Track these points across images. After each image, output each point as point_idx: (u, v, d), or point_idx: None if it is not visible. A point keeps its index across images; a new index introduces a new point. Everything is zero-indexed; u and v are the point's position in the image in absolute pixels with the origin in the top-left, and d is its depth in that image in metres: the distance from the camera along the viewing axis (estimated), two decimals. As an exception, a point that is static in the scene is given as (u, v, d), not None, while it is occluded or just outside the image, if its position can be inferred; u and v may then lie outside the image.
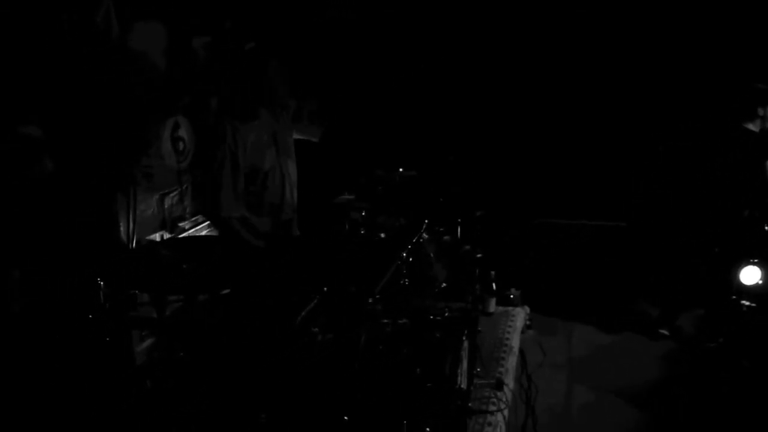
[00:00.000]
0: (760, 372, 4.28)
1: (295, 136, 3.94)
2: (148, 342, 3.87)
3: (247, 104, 3.61)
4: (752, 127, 4.60)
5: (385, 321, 3.04)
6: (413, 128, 5.77)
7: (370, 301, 3.02)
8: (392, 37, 5.84)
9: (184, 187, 4.34)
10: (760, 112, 4.58)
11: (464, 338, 3.29)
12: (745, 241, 4.91)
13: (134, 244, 3.84)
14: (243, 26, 4.89)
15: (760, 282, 4.99)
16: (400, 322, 3.03)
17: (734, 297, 5.08)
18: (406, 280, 3.41)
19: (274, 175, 3.68)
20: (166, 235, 4.14)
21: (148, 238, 4.00)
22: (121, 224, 3.78)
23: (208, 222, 4.50)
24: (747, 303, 5.03)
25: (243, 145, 3.51)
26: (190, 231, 4.32)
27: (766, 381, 4.09)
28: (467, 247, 4.54)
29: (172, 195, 4.24)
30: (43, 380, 3.10)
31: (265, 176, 3.63)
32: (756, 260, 4.88)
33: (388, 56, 5.86)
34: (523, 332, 4.88)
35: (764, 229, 4.86)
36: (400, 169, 4.28)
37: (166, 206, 4.20)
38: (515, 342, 4.54)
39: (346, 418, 2.76)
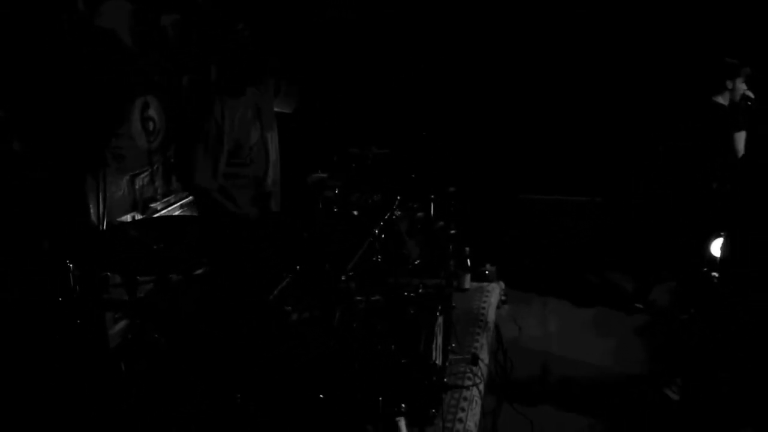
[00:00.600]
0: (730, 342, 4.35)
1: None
2: (122, 324, 3.84)
3: (237, 81, 3.60)
4: (721, 100, 4.64)
5: (359, 298, 3.04)
6: (387, 104, 5.75)
7: (343, 278, 3.01)
8: (369, 18, 5.81)
9: (155, 168, 4.29)
10: (729, 85, 4.62)
11: (438, 314, 3.31)
12: (716, 214, 4.97)
13: (105, 226, 3.80)
14: (216, 3, 4.82)
15: (730, 253, 5.07)
16: (373, 299, 3.04)
17: (705, 269, 5.16)
18: (379, 257, 3.41)
19: (259, 149, 3.71)
20: (138, 217, 4.10)
21: (119, 219, 3.95)
22: (91, 206, 3.72)
23: (179, 203, 4.47)
24: (717, 275, 5.12)
25: (230, 120, 3.52)
26: (162, 212, 4.28)
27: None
28: (441, 223, 4.54)
29: (142, 176, 4.19)
30: (14, 364, 3.06)
31: (249, 150, 3.64)
32: (725, 232, 4.95)
33: (363, 34, 5.83)
34: (498, 307, 4.92)
35: (733, 201, 4.92)
36: (374, 147, 4.26)
37: (137, 187, 4.14)
38: (490, 317, 4.57)
39: (321, 395, 2.77)
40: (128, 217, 4.02)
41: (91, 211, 3.73)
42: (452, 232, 4.59)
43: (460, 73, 5.88)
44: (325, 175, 4.08)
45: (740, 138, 4.61)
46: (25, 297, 3.18)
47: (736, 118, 4.62)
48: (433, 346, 3.20)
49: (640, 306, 5.07)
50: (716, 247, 5.11)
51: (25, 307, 3.17)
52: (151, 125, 4.20)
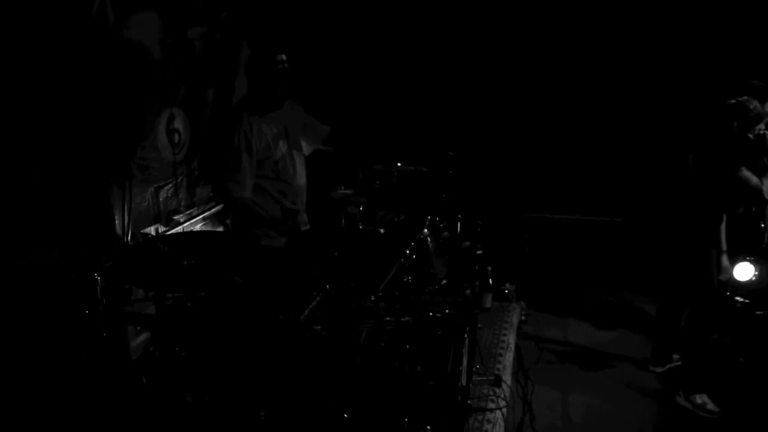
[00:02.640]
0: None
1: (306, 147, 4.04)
2: (143, 337, 3.82)
3: (267, 103, 3.71)
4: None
5: (388, 319, 3.00)
6: (412, 123, 5.75)
7: (373, 298, 2.99)
8: (392, 32, 5.83)
9: (179, 180, 4.29)
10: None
11: (465, 335, 3.27)
12: (740, 238, 4.93)
13: (129, 238, 3.79)
14: (239, 16, 4.84)
15: (754, 278, 5.03)
16: (402, 320, 3.00)
17: (728, 293, 5.11)
18: (409, 277, 3.38)
19: (285, 164, 3.80)
20: (161, 229, 4.09)
21: (143, 231, 3.94)
22: (116, 217, 3.73)
23: (202, 215, 4.46)
24: (741, 299, 5.07)
25: (258, 132, 3.63)
26: (185, 224, 4.26)
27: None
28: (467, 243, 4.50)
29: (167, 188, 4.19)
30: (40, 374, 3.05)
31: (275, 164, 3.72)
32: (749, 257, 4.92)
33: (386, 51, 5.85)
34: (519, 328, 4.87)
35: (759, 226, 4.89)
36: (399, 164, 4.23)
37: (161, 199, 4.14)
38: (512, 338, 4.53)
39: (346, 415, 2.74)
40: (152, 229, 4.02)
41: (116, 222, 3.73)
42: (478, 252, 4.55)
43: (483, 94, 5.89)
44: (348, 191, 4.05)
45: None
46: (51, 307, 3.16)
47: (763, 143, 4.58)
48: (460, 367, 3.16)
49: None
50: (740, 272, 5.07)
51: (51, 317, 3.15)
52: (176, 137, 4.21)
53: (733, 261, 5.08)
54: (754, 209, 4.74)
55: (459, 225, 4.44)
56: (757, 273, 5.03)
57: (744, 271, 5.07)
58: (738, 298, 5.08)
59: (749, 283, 5.05)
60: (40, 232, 3.28)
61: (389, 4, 5.78)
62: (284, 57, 3.60)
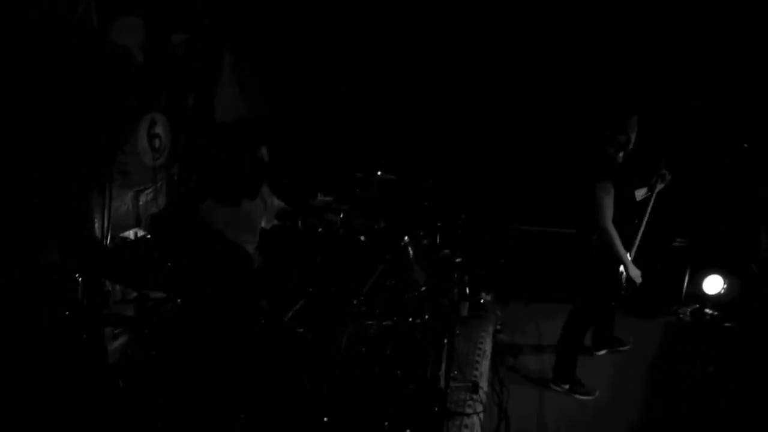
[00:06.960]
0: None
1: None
2: (121, 340, 3.80)
3: None
4: None
5: (370, 322, 3.04)
6: (393, 132, 5.80)
7: (355, 302, 3.02)
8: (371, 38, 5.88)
9: (158, 185, 4.29)
10: None
11: (444, 341, 3.31)
12: (709, 252, 5.07)
13: (108, 241, 3.78)
14: (221, 24, 4.86)
15: (722, 291, 5.16)
16: (384, 324, 3.04)
17: (698, 306, 5.24)
18: (392, 281, 3.42)
19: None
20: (140, 233, 4.08)
21: (122, 235, 3.93)
22: (96, 221, 3.72)
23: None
24: (710, 311, 5.20)
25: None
26: (164, 229, 4.25)
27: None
28: (446, 251, 4.55)
29: (146, 192, 4.19)
30: (17, 376, 3.01)
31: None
32: (719, 270, 5.06)
33: (367, 58, 5.89)
34: (494, 336, 4.93)
35: (727, 239, 5.03)
36: (379, 173, 4.28)
37: (140, 203, 4.14)
38: (488, 346, 4.58)
39: (326, 418, 2.75)
40: (131, 233, 4.01)
41: (96, 225, 3.72)
42: (458, 260, 4.59)
43: (466, 106, 5.96)
44: (328, 198, 4.08)
45: None
46: (31, 307, 3.13)
47: None
48: (440, 373, 3.20)
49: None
50: (709, 285, 5.21)
51: (30, 317, 3.13)
52: (157, 142, 4.20)
53: (703, 274, 5.23)
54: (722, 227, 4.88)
55: (438, 233, 4.49)
56: (726, 286, 5.17)
57: (713, 284, 5.21)
58: (707, 311, 5.22)
59: (718, 296, 5.19)
60: (22, 234, 3.26)
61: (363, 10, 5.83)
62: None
